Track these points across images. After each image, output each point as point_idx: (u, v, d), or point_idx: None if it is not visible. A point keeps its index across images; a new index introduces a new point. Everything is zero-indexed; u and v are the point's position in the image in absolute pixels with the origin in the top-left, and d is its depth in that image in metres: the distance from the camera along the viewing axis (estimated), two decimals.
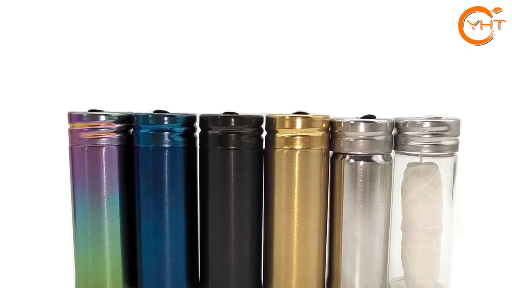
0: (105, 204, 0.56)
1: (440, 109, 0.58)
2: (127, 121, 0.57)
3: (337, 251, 0.57)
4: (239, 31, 0.79)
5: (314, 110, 0.57)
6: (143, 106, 0.59)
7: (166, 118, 0.55)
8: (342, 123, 0.55)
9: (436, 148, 0.55)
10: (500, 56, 0.78)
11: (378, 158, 0.55)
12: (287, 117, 0.55)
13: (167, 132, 0.55)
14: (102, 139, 0.56)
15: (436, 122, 0.55)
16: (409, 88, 0.78)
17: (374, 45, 0.79)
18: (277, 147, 0.55)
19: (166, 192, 0.55)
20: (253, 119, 0.55)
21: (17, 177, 0.84)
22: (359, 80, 0.78)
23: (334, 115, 0.57)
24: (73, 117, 0.56)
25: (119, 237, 0.57)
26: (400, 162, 0.58)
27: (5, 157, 0.84)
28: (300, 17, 0.79)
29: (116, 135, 0.56)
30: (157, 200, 0.55)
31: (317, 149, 0.55)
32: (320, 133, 0.55)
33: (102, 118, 0.56)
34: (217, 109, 0.57)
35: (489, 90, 0.80)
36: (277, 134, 0.55)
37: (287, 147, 0.55)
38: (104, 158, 0.56)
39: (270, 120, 0.56)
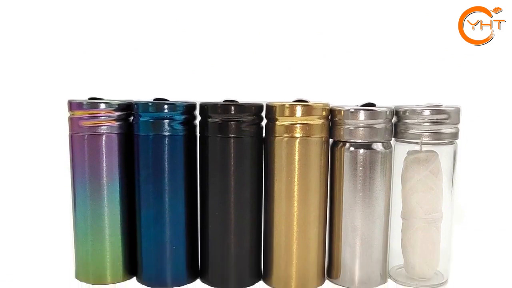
0: (105, 192, 0.56)
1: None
2: (127, 109, 0.57)
3: (337, 239, 0.57)
4: (239, 19, 0.79)
5: (314, 98, 0.57)
6: (143, 94, 0.59)
7: (166, 106, 0.55)
8: (342, 111, 0.55)
9: (436, 136, 0.55)
10: (500, 56, 0.78)
11: (378, 146, 0.55)
12: (287, 105, 0.55)
13: (167, 120, 0.55)
14: (102, 127, 0.55)
15: (436, 110, 0.55)
16: (408, 89, 0.78)
17: (375, 41, 0.79)
18: (277, 135, 0.55)
19: (166, 180, 0.55)
20: (253, 107, 0.55)
21: (17, 165, 0.84)
22: (359, 69, 0.78)
23: (334, 103, 0.57)
24: (73, 105, 0.56)
25: (119, 225, 0.57)
26: (400, 150, 0.58)
27: (5, 146, 0.84)
28: (301, 6, 0.79)
29: (116, 123, 0.56)
30: (157, 188, 0.55)
31: (317, 137, 0.55)
32: (320, 121, 0.55)
33: (102, 106, 0.56)
34: (217, 97, 0.57)
35: (488, 90, 0.80)
36: (277, 122, 0.55)
37: (287, 135, 0.54)
38: (104, 146, 0.56)
39: (270, 108, 0.56)
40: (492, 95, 0.80)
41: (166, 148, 0.55)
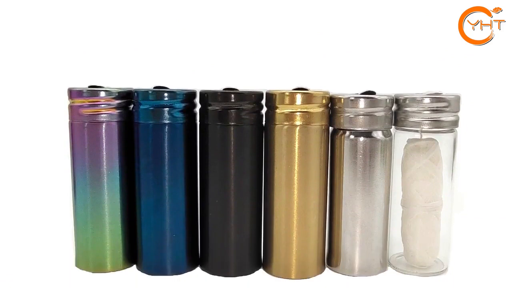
0: (105, 180, 0.56)
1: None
2: (127, 97, 0.57)
3: (337, 227, 0.57)
4: (239, 7, 0.79)
5: (314, 86, 0.57)
6: (143, 82, 0.59)
7: (166, 94, 0.55)
8: (342, 99, 0.55)
9: (436, 124, 0.55)
10: (500, 56, 0.78)
11: (378, 134, 0.55)
12: (287, 93, 0.54)
13: (167, 108, 0.55)
14: (102, 115, 0.55)
15: (436, 98, 0.55)
16: (406, 89, 0.78)
17: (375, 38, 0.79)
18: (277, 123, 0.55)
19: (166, 168, 0.55)
20: (253, 95, 0.55)
21: (17, 154, 0.84)
22: (359, 59, 0.78)
23: (334, 91, 0.57)
24: (73, 93, 0.56)
25: (119, 213, 0.57)
26: (400, 138, 0.58)
27: (5, 134, 0.84)
28: None
29: (116, 111, 0.56)
30: (157, 176, 0.55)
31: (317, 125, 0.55)
32: (320, 109, 0.55)
33: (102, 94, 0.56)
34: (217, 85, 0.57)
35: (488, 86, 0.80)
36: (277, 110, 0.55)
37: (287, 123, 0.54)
38: (104, 134, 0.56)
39: (270, 96, 0.56)
40: (491, 89, 0.81)
41: (166, 136, 0.55)
